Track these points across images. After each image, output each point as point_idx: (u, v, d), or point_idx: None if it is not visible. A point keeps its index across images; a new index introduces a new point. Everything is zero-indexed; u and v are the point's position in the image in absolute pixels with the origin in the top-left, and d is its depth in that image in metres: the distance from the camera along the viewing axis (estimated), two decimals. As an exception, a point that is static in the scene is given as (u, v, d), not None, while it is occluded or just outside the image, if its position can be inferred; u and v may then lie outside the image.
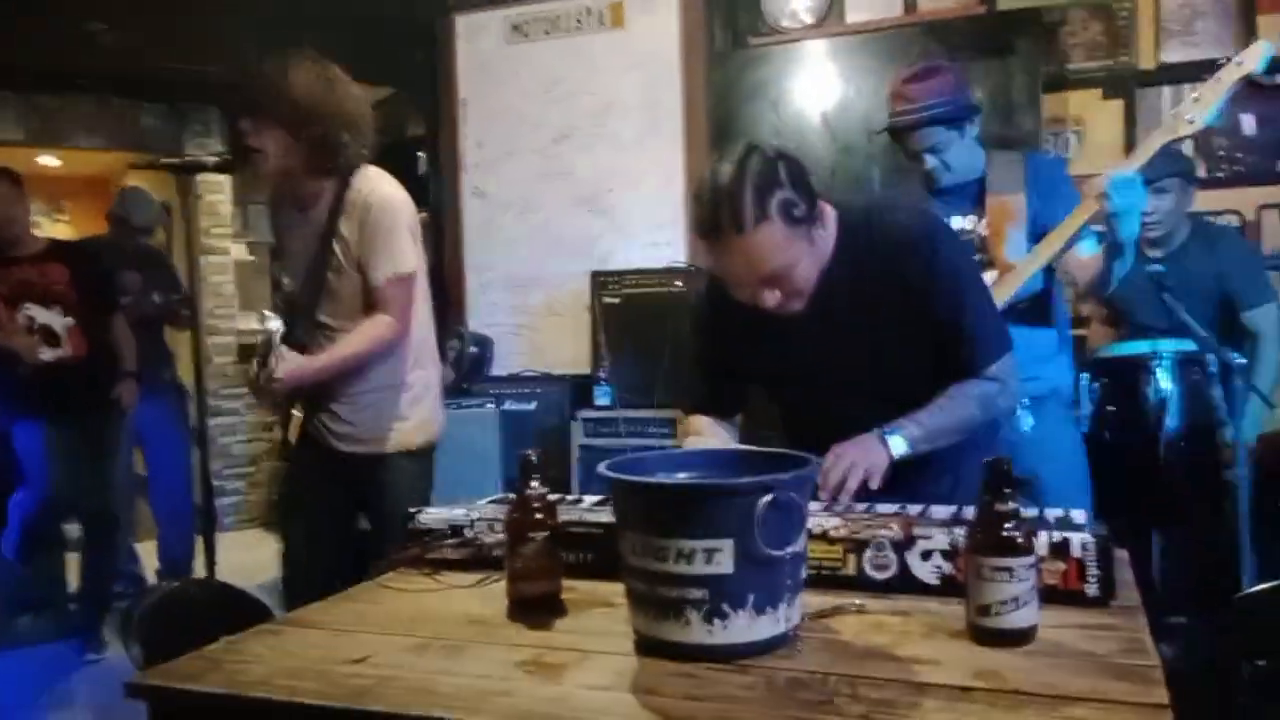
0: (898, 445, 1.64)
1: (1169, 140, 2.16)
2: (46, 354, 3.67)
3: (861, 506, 1.55)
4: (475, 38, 4.62)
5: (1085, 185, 2.27)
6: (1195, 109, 2.11)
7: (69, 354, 3.73)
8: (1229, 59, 2.10)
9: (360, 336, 2.28)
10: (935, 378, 1.73)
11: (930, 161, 2.50)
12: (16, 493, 3.83)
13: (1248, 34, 3.65)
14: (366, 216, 2.27)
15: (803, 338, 1.73)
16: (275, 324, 2.21)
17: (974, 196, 2.52)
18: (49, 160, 7.08)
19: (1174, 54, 3.73)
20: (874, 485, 1.60)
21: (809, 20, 4.22)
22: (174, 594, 1.82)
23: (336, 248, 2.29)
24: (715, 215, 1.52)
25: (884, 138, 2.63)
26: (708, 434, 1.88)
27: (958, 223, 2.48)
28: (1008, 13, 3.86)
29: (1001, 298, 2.29)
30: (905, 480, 1.64)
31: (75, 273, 3.77)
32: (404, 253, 2.29)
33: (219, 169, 2.39)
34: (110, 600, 3.91)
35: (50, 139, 6.51)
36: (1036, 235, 2.42)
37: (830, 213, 1.69)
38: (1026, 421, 2.38)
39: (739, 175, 1.52)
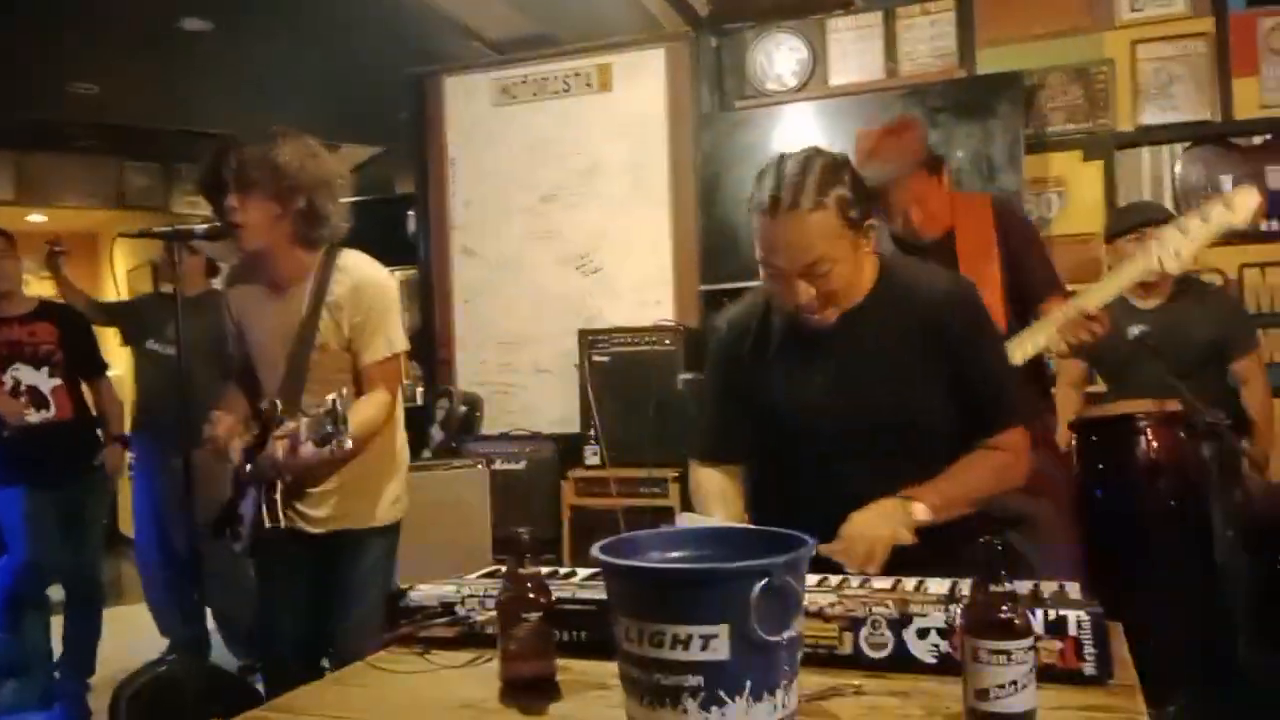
0: (920, 512, 1.63)
1: (1149, 275, 2.19)
2: (33, 416, 3.64)
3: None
4: (464, 99, 4.68)
5: (1059, 306, 2.30)
6: (1182, 243, 2.10)
7: (55, 416, 3.69)
8: (1216, 193, 2.10)
9: (366, 416, 2.23)
10: (948, 443, 1.72)
11: (917, 214, 2.47)
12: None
13: (1223, 97, 3.74)
14: (360, 297, 2.27)
15: (823, 367, 1.74)
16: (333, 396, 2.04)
17: (948, 258, 2.47)
18: (37, 218, 7.09)
19: (1152, 117, 3.81)
20: (906, 541, 1.59)
21: (793, 84, 4.30)
22: (163, 676, 1.79)
23: (323, 326, 2.27)
24: (776, 192, 1.62)
25: None
26: (714, 500, 1.85)
27: None
28: (987, 76, 3.94)
29: None
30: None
31: (64, 333, 3.75)
32: (398, 332, 2.33)
33: (208, 237, 2.37)
34: (93, 667, 3.83)
35: (39, 198, 6.54)
36: (1013, 299, 2.42)
37: (872, 256, 1.75)
38: None
39: (806, 163, 1.64)
